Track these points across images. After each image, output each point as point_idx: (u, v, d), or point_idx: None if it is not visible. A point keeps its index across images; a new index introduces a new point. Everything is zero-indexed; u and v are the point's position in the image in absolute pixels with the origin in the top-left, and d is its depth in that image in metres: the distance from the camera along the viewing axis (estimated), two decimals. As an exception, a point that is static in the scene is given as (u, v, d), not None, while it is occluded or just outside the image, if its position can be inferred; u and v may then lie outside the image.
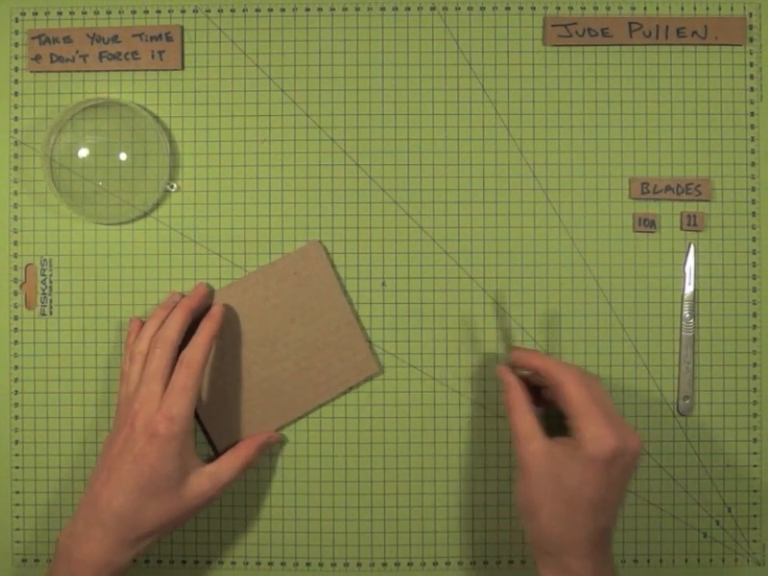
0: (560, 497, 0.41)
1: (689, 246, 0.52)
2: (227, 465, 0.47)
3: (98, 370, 0.51)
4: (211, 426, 0.51)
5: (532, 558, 0.44)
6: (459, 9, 0.52)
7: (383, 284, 0.52)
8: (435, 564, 0.52)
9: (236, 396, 0.51)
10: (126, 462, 0.44)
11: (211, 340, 0.48)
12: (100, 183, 0.51)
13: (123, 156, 0.51)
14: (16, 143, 0.52)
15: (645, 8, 0.52)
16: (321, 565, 0.52)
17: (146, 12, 0.52)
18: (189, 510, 0.45)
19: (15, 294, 0.52)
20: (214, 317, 0.49)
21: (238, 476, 0.47)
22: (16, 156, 0.52)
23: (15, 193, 0.52)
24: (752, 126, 0.52)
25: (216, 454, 0.50)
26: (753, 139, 0.52)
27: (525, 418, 0.43)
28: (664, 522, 0.52)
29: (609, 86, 0.52)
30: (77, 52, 0.51)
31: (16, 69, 0.52)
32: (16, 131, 0.52)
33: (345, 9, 0.52)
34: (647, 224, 0.52)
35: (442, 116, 0.52)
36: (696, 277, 0.52)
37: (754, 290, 0.52)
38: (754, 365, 0.52)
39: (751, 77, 0.52)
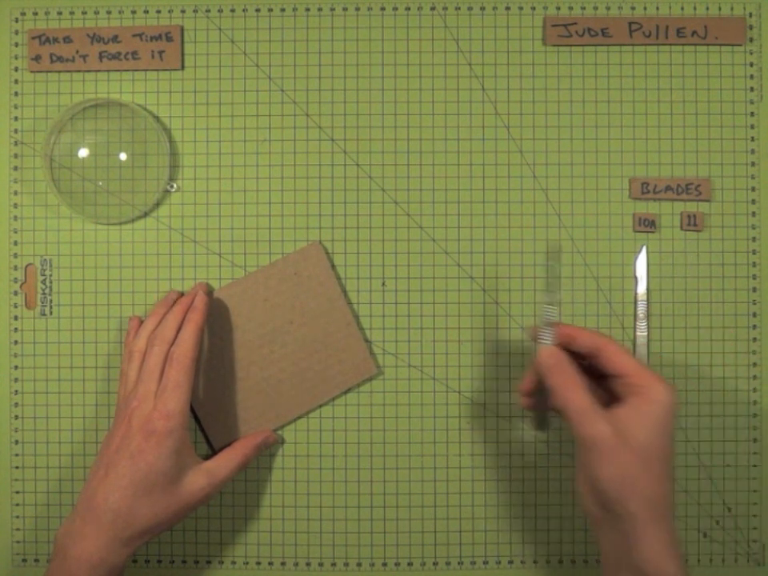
0: (646, 462, 0.40)
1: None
2: (224, 462, 0.48)
3: (97, 369, 0.52)
4: (209, 424, 0.51)
5: (628, 537, 0.40)
6: (459, 9, 0.53)
7: (383, 284, 0.52)
8: (435, 564, 0.52)
9: (234, 395, 0.51)
10: (122, 459, 0.44)
11: (198, 332, 0.48)
12: (100, 183, 0.52)
13: (123, 156, 0.52)
14: (16, 143, 0.53)
15: (645, 8, 0.53)
16: (321, 565, 0.53)
17: (146, 12, 0.53)
18: (185, 507, 0.46)
19: (15, 294, 0.52)
20: (197, 309, 0.49)
21: (235, 474, 0.48)
22: (16, 156, 0.52)
23: (15, 193, 0.52)
24: (752, 126, 0.53)
25: (213, 453, 0.51)
26: (753, 139, 0.53)
27: (586, 399, 0.41)
28: None
29: (609, 86, 0.53)
30: (77, 52, 0.52)
31: (16, 69, 0.53)
32: (16, 131, 0.53)
33: (345, 9, 0.53)
34: (647, 224, 0.52)
35: (442, 116, 0.53)
36: (696, 277, 0.53)
37: (754, 289, 0.53)
38: (754, 364, 0.52)
39: (751, 77, 0.53)
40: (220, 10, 0.52)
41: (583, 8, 0.53)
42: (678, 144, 0.53)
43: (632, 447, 0.40)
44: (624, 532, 0.40)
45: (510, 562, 0.52)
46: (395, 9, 0.53)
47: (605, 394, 0.44)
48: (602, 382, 0.44)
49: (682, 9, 0.53)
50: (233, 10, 0.52)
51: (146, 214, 0.52)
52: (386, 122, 0.52)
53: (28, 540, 0.53)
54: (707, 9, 0.53)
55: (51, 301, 0.52)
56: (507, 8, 0.53)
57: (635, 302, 0.52)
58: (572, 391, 0.41)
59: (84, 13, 0.52)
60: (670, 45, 0.53)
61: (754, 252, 0.52)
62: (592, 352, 0.43)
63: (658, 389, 0.41)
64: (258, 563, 0.53)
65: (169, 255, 0.52)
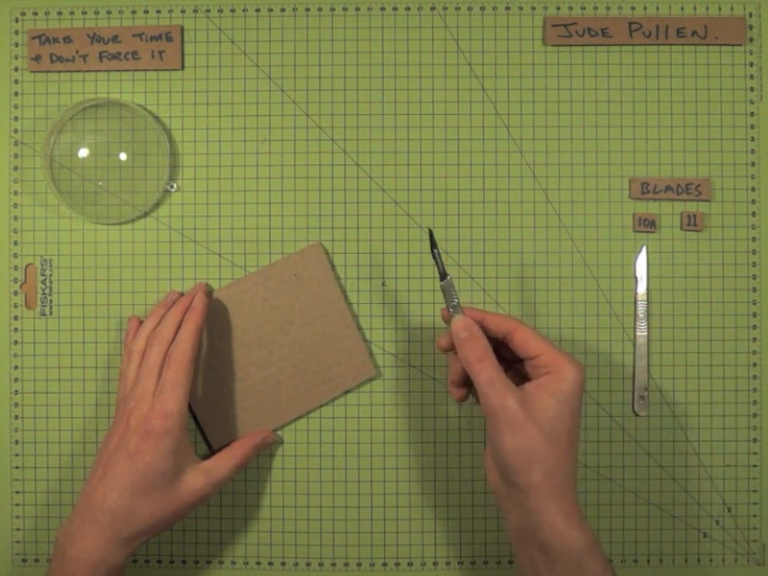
0: (550, 436, 0.41)
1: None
2: (223, 462, 0.48)
3: (97, 369, 0.52)
4: (207, 424, 0.52)
5: (524, 513, 0.41)
6: (459, 9, 0.53)
7: (383, 284, 0.53)
8: (435, 564, 0.53)
9: (233, 395, 0.51)
10: (121, 459, 0.44)
11: (196, 333, 0.48)
12: (100, 183, 0.52)
13: (123, 156, 0.52)
14: (16, 143, 0.53)
15: (645, 8, 0.53)
16: (321, 565, 0.53)
17: (146, 12, 0.53)
18: (183, 507, 0.46)
19: (15, 293, 0.53)
20: (196, 309, 0.49)
21: (233, 474, 0.48)
22: (16, 156, 0.53)
23: (15, 193, 0.53)
24: (752, 126, 0.53)
25: (212, 453, 0.51)
26: (753, 139, 0.53)
27: (496, 370, 0.42)
28: (664, 521, 0.53)
29: (609, 86, 0.53)
30: (77, 52, 0.52)
31: (16, 69, 0.53)
32: (16, 131, 0.53)
33: (345, 9, 0.53)
34: (647, 224, 0.52)
35: (442, 116, 0.53)
36: (696, 277, 0.53)
37: (754, 289, 0.53)
38: (754, 365, 0.53)
39: (751, 77, 0.53)
40: (220, 10, 0.53)
41: (583, 8, 0.53)
42: (677, 144, 0.53)
43: (537, 420, 0.40)
44: (527, 506, 0.40)
45: (510, 562, 0.53)
46: (395, 9, 0.53)
47: (516, 377, 0.45)
48: (512, 366, 0.45)
49: (682, 9, 0.53)
50: (233, 10, 0.53)
51: (145, 214, 0.52)
52: (386, 122, 0.53)
53: (28, 540, 0.53)
54: (707, 9, 0.53)
55: (51, 301, 0.52)
56: (507, 8, 0.53)
57: (635, 302, 0.53)
58: (482, 362, 0.42)
59: (84, 13, 0.53)
60: (670, 45, 0.53)
61: (754, 252, 0.53)
62: (503, 335, 0.44)
63: (567, 367, 0.41)
64: (258, 563, 0.53)
65: (168, 255, 0.52)
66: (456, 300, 0.45)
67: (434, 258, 0.45)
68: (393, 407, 0.53)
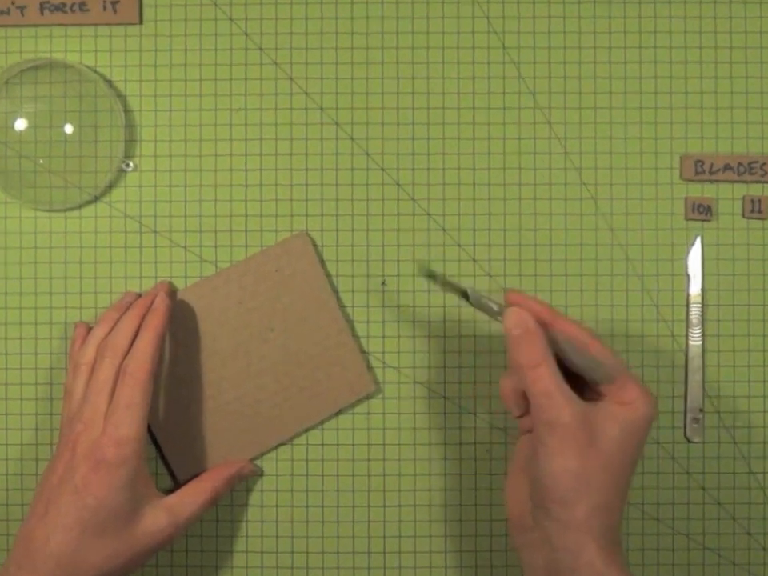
0: (609, 470, 0.39)
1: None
2: (189, 498, 0.45)
3: (37, 387, 0.49)
4: (171, 452, 0.48)
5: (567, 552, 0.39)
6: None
7: (383, 283, 0.49)
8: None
9: (202, 417, 0.48)
10: (66, 494, 0.42)
11: (156, 342, 0.45)
12: (41, 161, 0.49)
13: (69, 128, 0.49)
14: (-60, 113, 0.48)
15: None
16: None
17: (98, -45, 0.48)
18: (142, 551, 0.43)
19: (-61, 294, 0.49)
20: (157, 313, 0.46)
21: (203, 512, 0.45)
22: (-60, 128, 0.48)
23: (-62, 173, 0.48)
24: (830, 92, 0.48)
25: (177, 486, 0.47)
26: (830, 108, 0.48)
27: (555, 379, 0.39)
28: (723, 570, 0.49)
29: (655, 44, 0.48)
30: (12, 3, 0.48)
31: (-60, 23, 0.48)
32: (-60, 99, 0.48)
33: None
34: (702, 211, 0.48)
35: (453, 80, 0.48)
36: (761, 274, 0.49)
37: (832, 289, 0.48)
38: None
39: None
40: (186, -47, 0.48)
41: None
42: (739, 114, 0.49)
43: (599, 448, 0.38)
44: (561, 543, 0.39)
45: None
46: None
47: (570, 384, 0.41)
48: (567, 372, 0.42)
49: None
50: (202, -47, 0.48)
51: (96, 199, 0.49)
52: (386, 86, 0.48)
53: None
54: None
55: (-19, 303, 0.48)
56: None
57: (687, 305, 0.49)
58: (538, 368, 0.39)
59: (22, -44, 0.48)
60: (730, -6, 0.48)
61: (831, 244, 0.48)
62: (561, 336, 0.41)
63: (641, 399, 0.40)
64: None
65: (124, 248, 0.49)
66: (496, 304, 0.41)
67: (443, 287, 0.43)
68: (395, 432, 0.49)
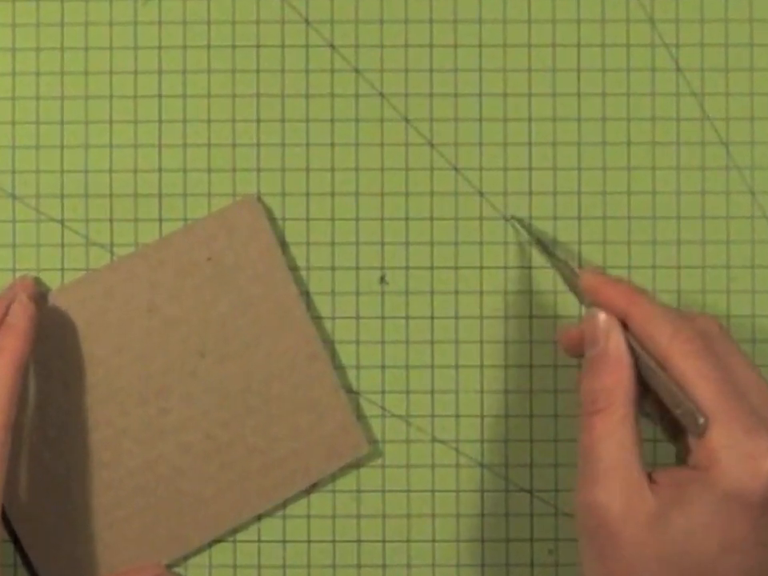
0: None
1: None
2: None
3: None
4: (38, 553, 0.39)
5: None
6: None
7: (382, 280, 0.38)
8: None
9: (89, 497, 0.38)
10: None
11: (14, 375, 0.37)
12: None
13: None
14: None
15: None
16: None
17: None
18: None
19: None
20: (16, 329, 0.38)
21: None
22: None
23: None
24: None
25: None
26: None
27: (624, 443, 0.32)
28: None
29: None
30: None
31: None
32: None
33: None
34: None
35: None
36: None
37: None
38: None
39: None
40: None
41: None
42: None
43: (662, 541, 0.31)
44: None
45: None
46: None
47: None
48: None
49: None
50: None
51: None
52: None
53: None
54: None
55: None
56: None
57: None
58: (600, 414, 0.33)
59: None
60: None
61: None
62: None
63: (742, 470, 0.31)
64: None
65: None
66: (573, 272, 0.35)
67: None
68: (401, 522, 0.36)
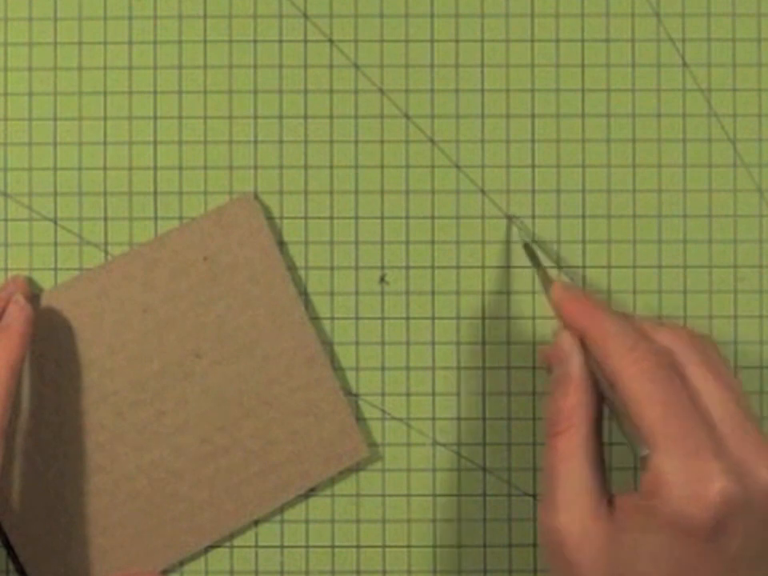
0: None
1: None
2: None
3: None
4: (30, 558, 0.39)
5: None
6: None
7: (382, 279, 0.38)
8: None
9: (84, 503, 0.38)
10: None
11: (9, 378, 0.36)
12: None
13: None
14: None
15: None
16: None
17: None
18: None
19: None
20: (11, 330, 0.37)
21: None
22: None
23: None
24: None
25: None
26: None
27: (583, 466, 0.32)
28: None
29: None
30: None
31: None
32: None
33: None
34: None
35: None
36: None
37: None
38: None
39: None
40: None
41: None
42: None
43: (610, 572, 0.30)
44: None
45: None
46: None
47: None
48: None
49: None
50: None
51: None
52: None
53: None
54: None
55: None
56: None
57: None
58: (560, 435, 0.33)
59: None
60: None
61: None
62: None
63: (674, 483, 0.30)
64: None
65: None
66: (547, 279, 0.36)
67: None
68: (401, 527, 0.36)
